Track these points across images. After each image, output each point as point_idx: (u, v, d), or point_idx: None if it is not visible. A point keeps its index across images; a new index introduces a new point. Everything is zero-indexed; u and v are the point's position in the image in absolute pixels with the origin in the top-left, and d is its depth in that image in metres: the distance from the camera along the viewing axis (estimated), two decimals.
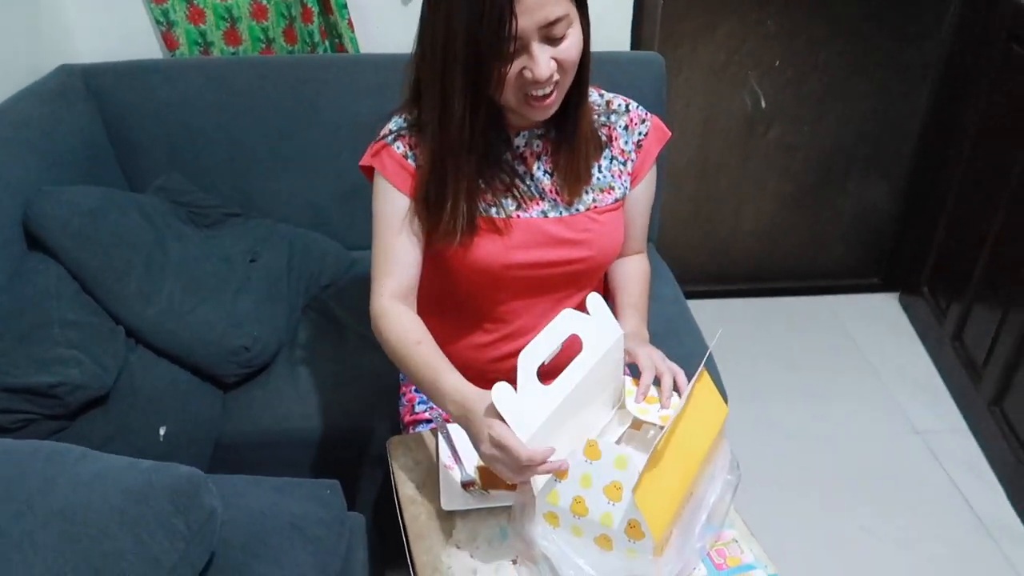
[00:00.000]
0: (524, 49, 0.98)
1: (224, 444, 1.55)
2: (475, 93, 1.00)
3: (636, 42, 2.15)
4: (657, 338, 1.20)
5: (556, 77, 1.01)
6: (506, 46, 0.96)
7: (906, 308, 2.63)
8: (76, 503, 0.87)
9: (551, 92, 1.03)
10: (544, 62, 0.99)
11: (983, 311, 2.12)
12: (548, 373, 0.93)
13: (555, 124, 1.13)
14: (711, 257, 2.64)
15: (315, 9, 1.96)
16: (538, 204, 1.15)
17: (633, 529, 0.87)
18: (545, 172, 1.16)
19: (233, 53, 2.01)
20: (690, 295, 1.92)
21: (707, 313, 1.97)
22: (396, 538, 1.09)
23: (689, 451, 0.94)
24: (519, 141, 1.15)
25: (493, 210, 1.14)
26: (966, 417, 2.19)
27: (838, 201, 2.55)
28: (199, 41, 1.98)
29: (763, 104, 2.35)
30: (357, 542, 1.23)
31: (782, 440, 2.13)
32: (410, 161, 1.11)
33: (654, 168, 1.24)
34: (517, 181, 1.15)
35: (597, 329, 1.00)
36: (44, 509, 0.86)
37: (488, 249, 1.14)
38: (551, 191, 1.16)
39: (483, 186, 1.13)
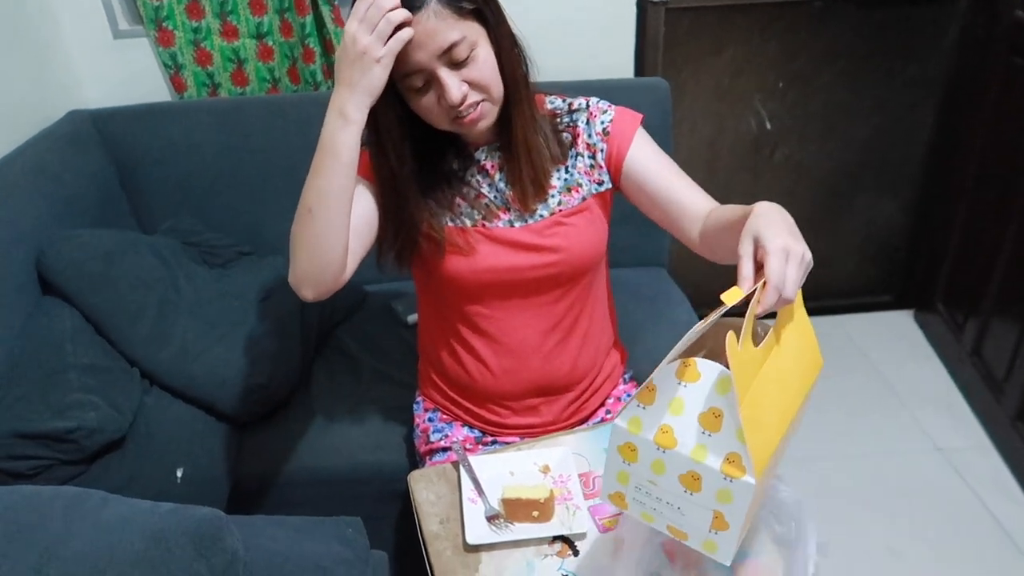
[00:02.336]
0: (433, 78, 1.03)
1: (242, 484, 1.54)
2: (407, 123, 1.08)
3: (640, 68, 2.16)
4: None
5: (473, 98, 1.05)
6: (412, 81, 1.03)
7: (922, 325, 2.60)
8: (97, 549, 0.86)
9: (475, 109, 1.06)
10: (454, 86, 1.02)
11: (1002, 325, 2.10)
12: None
13: (502, 135, 1.16)
14: (723, 280, 2.61)
15: (317, 50, 1.98)
16: (505, 214, 1.19)
17: (732, 464, 0.73)
18: (507, 184, 1.19)
19: (240, 93, 2.03)
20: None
21: None
22: (418, 574, 1.07)
23: (787, 391, 0.82)
24: (480, 155, 1.19)
25: (458, 221, 1.18)
26: (990, 433, 2.15)
27: (848, 219, 2.54)
28: (207, 83, 2.00)
29: (768, 125, 2.35)
30: None
31: (803, 462, 2.10)
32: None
33: (648, 140, 1.20)
34: (483, 192, 1.19)
35: None
36: (65, 555, 0.85)
37: (458, 259, 1.17)
38: (514, 201, 1.18)
39: (445, 201, 1.17)
